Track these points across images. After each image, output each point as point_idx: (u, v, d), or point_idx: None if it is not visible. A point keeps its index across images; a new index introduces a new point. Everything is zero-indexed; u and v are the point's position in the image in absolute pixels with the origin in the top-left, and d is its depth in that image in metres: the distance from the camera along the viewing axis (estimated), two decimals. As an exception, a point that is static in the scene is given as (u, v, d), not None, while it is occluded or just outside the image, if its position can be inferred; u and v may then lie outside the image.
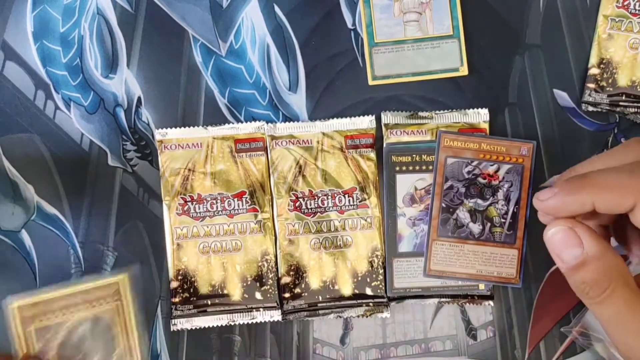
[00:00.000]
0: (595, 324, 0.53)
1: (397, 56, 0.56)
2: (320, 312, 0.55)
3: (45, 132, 0.56)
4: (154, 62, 0.57)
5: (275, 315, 0.55)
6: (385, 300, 0.55)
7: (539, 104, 0.57)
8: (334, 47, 0.57)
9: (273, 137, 0.56)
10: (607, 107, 0.56)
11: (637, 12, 0.56)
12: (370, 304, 0.55)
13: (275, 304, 0.55)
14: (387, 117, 0.56)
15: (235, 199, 0.55)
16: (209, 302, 0.55)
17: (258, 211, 0.55)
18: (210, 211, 0.55)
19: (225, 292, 0.55)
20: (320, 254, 0.55)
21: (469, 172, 0.52)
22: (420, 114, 0.56)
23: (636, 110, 0.56)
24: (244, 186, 0.55)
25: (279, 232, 0.55)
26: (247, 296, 0.55)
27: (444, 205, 0.53)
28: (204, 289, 0.55)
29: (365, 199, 0.55)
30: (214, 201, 0.55)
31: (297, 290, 0.55)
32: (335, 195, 0.55)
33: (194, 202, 0.55)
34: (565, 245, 0.39)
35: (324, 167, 0.55)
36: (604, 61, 0.56)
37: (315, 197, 0.55)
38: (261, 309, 0.55)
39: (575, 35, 0.58)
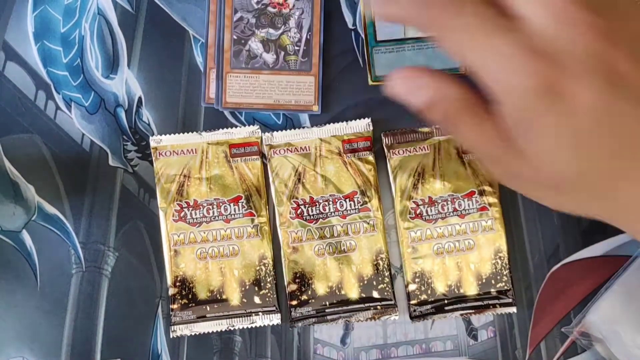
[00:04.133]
0: (597, 323, 0.53)
1: (398, 56, 0.56)
2: (328, 317, 0.55)
3: (46, 132, 0.56)
4: (155, 63, 0.57)
5: (275, 319, 0.55)
6: (393, 302, 0.55)
7: (540, 104, 0.57)
8: (334, 47, 0.57)
9: (271, 147, 0.56)
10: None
11: (637, 12, 0.56)
12: (378, 307, 0.55)
13: (274, 308, 0.55)
14: (388, 138, 0.56)
15: (232, 204, 0.55)
16: (208, 308, 0.55)
17: (254, 215, 0.55)
18: (207, 217, 0.55)
19: (224, 297, 0.55)
20: (325, 260, 0.55)
21: (258, 2, 0.51)
22: (421, 129, 0.56)
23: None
24: (239, 191, 0.55)
25: (282, 240, 0.55)
26: (245, 301, 0.55)
27: (235, 37, 0.53)
28: (202, 294, 0.55)
29: (366, 202, 0.55)
30: (210, 207, 0.55)
31: (304, 297, 0.55)
32: (337, 200, 0.55)
33: (190, 208, 0.55)
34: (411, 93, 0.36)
35: (324, 173, 0.55)
36: (604, 61, 0.56)
37: (317, 204, 0.55)
38: (260, 313, 0.55)
39: (576, 35, 0.57)
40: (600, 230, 0.56)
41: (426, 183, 0.55)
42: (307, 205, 0.55)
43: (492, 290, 0.55)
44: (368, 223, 0.55)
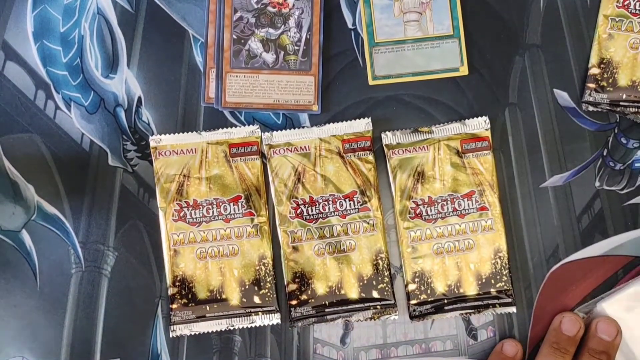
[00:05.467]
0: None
1: (397, 56, 0.56)
2: (328, 317, 0.55)
3: (46, 132, 0.56)
4: (154, 62, 0.57)
5: (274, 319, 0.55)
6: (392, 302, 0.55)
7: (539, 104, 0.57)
8: (334, 47, 0.57)
9: (271, 146, 0.56)
10: (608, 107, 0.56)
11: (637, 12, 0.56)
12: (378, 307, 0.55)
13: (274, 308, 0.55)
14: (388, 138, 0.56)
15: (231, 204, 0.55)
16: (208, 308, 0.55)
17: (254, 215, 0.55)
18: (207, 216, 0.55)
19: (224, 296, 0.55)
20: (325, 260, 0.55)
21: (257, 2, 0.51)
22: (420, 129, 0.56)
23: (636, 110, 0.56)
24: (239, 190, 0.55)
25: (282, 240, 0.55)
26: (245, 300, 0.55)
27: (234, 36, 0.53)
28: (202, 294, 0.55)
29: (366, 202, 0.55)
30: (210, 206, 0.55)
31: (304, 296, 0.55)
32: (336, 200, 0.55)
33: (190, 208, 0.55)
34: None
35: (323, 173, 0.55)
36: (604, 61, 0.56)
37: (316, 204, 0.55)
38: (260, 313, 0.55)
39: (575, 35, 0.58)
40: (600, 230, 0.57)
41: (426, 183, 0.55)
42: (306, 205, 0.55)
43: (492, 290, 0.55)
44: (368, 223, 0.55)
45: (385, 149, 0.56)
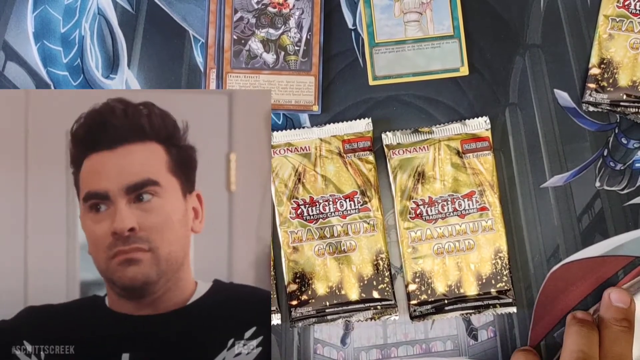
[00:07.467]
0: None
1: (398, 56, 0.56)
2: (328, 317, 0.55)
3: (46, 132, 0.56)
4: (155, 63, 0.57)
5: (275, 319, 0.55)
6: (393, 302, 0.55)
7: (540, 104, 0.57)
8: (334, 47, 0.57)
9: (271, 146, 0.56)
10: (608, 107, 0.56)
11: (637, 12, 0.56)
12: (378, 307, 0.55)
13: (274, 308, 0.55)
14: (388, 138, 0.56)
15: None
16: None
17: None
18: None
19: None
20: (325, 260, 0.55)
21: (258, 2, 0.51)
22: (421, 129, 0.56)
23: (637, 110, 0.56)
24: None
25: (282, 240, 0.55)
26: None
27: (235, 37, 0.53)
28: None
29: (366, 202, 0.55)
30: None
31: (304, 297, 0.55)
32: (337, 200, 0.55)
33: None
34: None
35: (324, 173, 0.55)
36: (604, 61, 0.56)
37: (317, 204, 0.55)
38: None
39: (575, 35, 0.57)
40: (600, 230, 0.57)
41: (426, 183, 0.55)
42: (307, 205, 0.55)
43: (492, 290, 0.55)
44: (368, 223, 0.55)
45: (386, 149, 0.56)
